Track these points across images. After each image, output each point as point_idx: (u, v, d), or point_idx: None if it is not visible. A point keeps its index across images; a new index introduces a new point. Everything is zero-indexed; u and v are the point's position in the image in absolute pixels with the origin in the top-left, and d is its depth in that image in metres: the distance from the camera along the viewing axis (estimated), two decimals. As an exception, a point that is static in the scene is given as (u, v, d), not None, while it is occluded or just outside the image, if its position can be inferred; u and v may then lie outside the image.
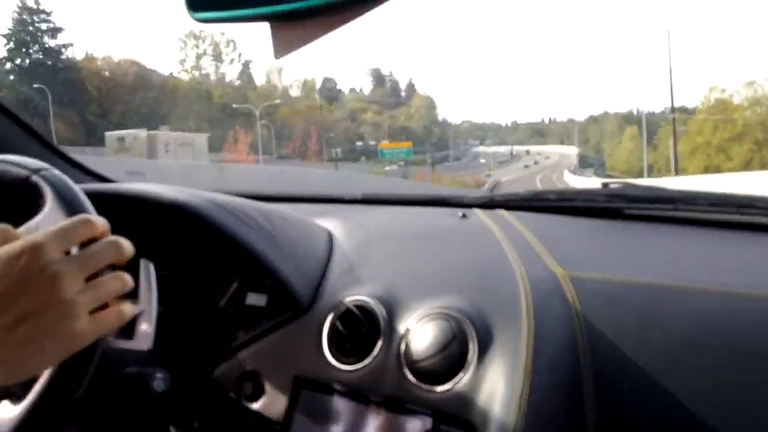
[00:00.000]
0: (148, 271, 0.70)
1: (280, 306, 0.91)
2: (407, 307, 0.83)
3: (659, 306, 0.79)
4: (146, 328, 0.69)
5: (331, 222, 1.14)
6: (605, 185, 1.25)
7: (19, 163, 0.68)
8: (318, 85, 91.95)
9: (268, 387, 0.85)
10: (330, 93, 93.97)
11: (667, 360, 0.74)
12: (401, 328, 0.81)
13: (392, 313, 0.83)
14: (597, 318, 0.79)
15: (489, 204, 1.27)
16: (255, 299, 0.99)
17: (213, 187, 1.19)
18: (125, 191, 0.91)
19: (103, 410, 0.77)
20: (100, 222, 0.57)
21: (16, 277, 0.49)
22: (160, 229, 1.01)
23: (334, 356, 0.82)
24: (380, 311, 0.83)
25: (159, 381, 0.68)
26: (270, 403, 0.84)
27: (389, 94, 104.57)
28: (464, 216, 1.16)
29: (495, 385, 0.72)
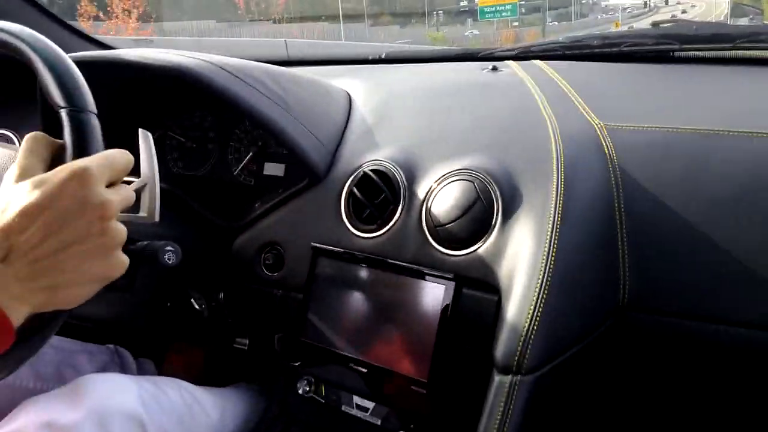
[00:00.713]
0: (147, 141, 0.65)
1: (298, 174, 0.87)
2: (429, 169, 0.78)
3: (709, 153, 0.71)
4: (151, 200, 0.66)
5: (350, 82, 1.06)
6: (656, 24, 1.10)
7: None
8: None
9: (288, 256, 0.84)
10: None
11: (715, 211, 0.68)
12: (422, 191, 0.76)
13: (413, 177, 0.78)
14: (636, 170, 0.72)
15: (524, 55, 1.15)
16: (273, 169, 0.95)
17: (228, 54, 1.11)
18: (119, 58, 0.85)
19: (113, 286, 0.77)
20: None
21: (67, 201, 0.48)
22: (163, 97, 0.95)
23: (352, 224, 0.79)
24: (399, 175, 0.78)
25: (170, 254, 0.66)
26: (290, 272, 0.83)
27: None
28: (495, 69, 1.05)
29: (521, 245, 0.67)
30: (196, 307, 0.83)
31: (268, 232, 0.86)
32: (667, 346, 0.71)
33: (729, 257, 0.66)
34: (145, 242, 0.68)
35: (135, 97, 0.98)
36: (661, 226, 0.69)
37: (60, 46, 0.63)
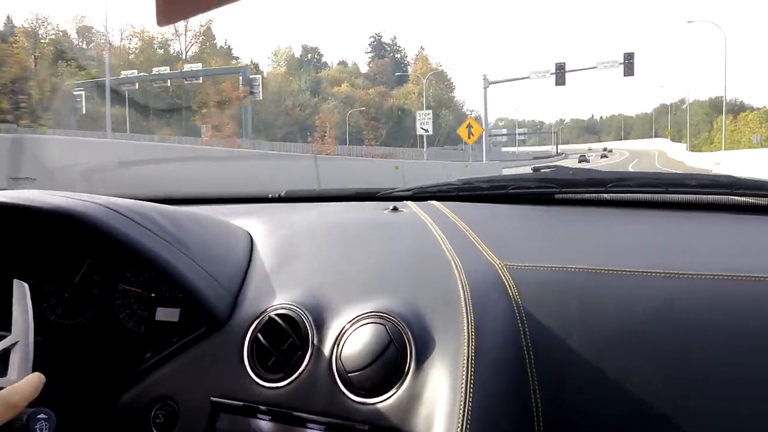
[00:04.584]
0: (23, 293, 0.59)
1: (195, 320, 0.81)
2: (337, 312, 0.75)
3: (596, 292, 0.76)
4: (22, 361, 0.58)
5: (251, 222, 1.04)
6: (536, 170, 1.22)
7: None
8: (298, 54, 73.19)
9: (182, 413, 0.75)
10: (306, 64, 75.04)
11: (608, 346, 0.71)
12: (331, 336, 0.73)
13: (321, 321, 0.75)
14: (538, 309, 0.74)
15: (421, 196, 1.21)
16: (165, 314, 0.89)
17: (120, 192, 1.06)
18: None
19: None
20: None
21: None
22: (42, 239, 0.88)
23: (256, 373, 0.73)
24: (306, 320, 0.75)
25: (41, 423, 0.57)
26: (185, 430, 0.74)
27: (391, 68, 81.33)
28: (395, 209, 1.09)
29: (436, 391, 0.65)
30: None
31: (161, 385, 0.78)
32: None
33: (631, 392, 0.68)
34: None
35: (9, 241, 0.89)
36: (567, 364, 0.70)
37: None
